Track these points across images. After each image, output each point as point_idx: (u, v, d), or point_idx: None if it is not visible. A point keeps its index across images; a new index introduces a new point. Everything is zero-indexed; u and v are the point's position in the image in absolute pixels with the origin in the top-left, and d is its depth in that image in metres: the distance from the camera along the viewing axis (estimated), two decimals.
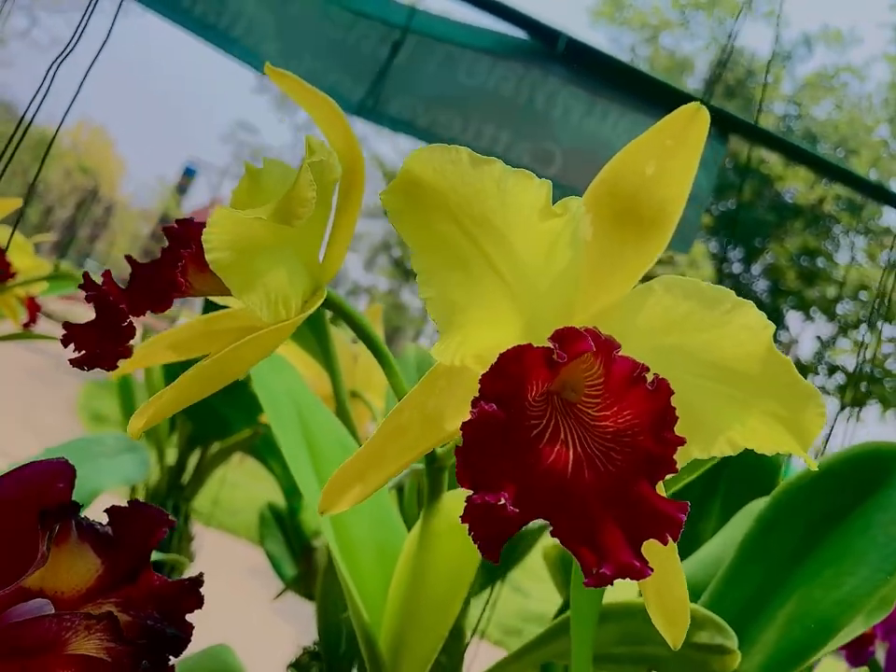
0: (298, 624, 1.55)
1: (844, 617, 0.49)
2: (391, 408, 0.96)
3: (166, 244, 0.43)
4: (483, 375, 0.31)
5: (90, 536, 0.32)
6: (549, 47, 1.84)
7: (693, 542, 0.69)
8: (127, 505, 0.34)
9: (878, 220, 12.46)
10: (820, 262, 13.13)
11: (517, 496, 0.29)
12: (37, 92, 0.66)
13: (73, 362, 0.40)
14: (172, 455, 1.32)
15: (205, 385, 0.41)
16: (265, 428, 1.21)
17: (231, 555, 3.43)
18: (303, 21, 1.92)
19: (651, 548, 0.30)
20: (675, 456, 0.31)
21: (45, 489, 0.33)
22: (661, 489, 0.33)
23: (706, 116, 0.38)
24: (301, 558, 1.21)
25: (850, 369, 12.02)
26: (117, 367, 0.41)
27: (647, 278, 0.39)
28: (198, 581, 0.34)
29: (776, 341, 0.36)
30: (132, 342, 0.41)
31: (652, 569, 0.30)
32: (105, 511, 0.34)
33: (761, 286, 13.87)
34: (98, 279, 0.42)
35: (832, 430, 0.93)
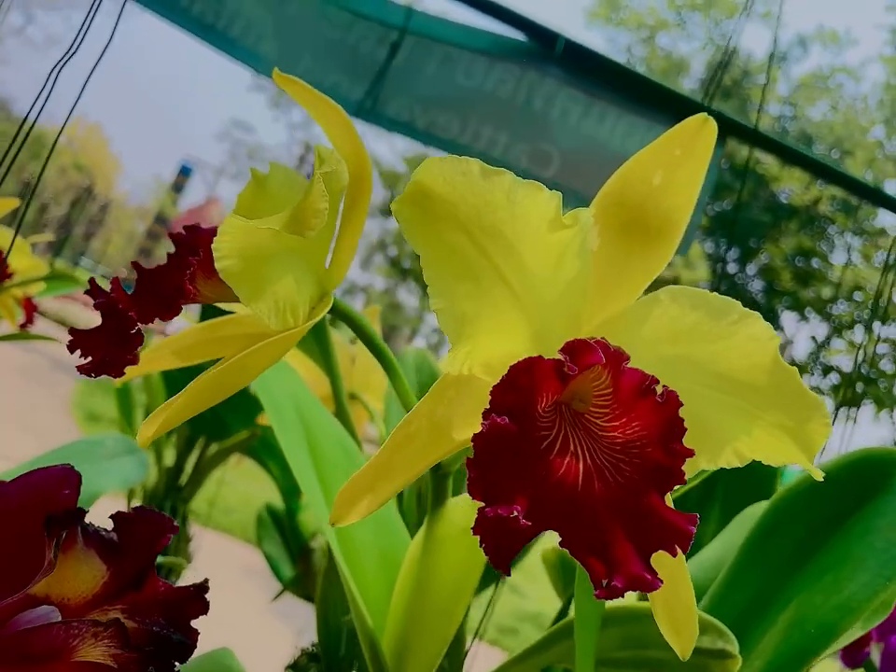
0: (294, 625, 1.54)
1: (844, 622, 0.49)
2: (391, 410, 0.96)
3: (173, 250, 0.43)
4: (493, 387, 0.31)
5: (95, 542, 0.32)
6: (547, 48, 1.84)
7: (692, 546, 0.69)
8: (132, 511, 0.34)
9: (873, 221, 12.50)
10: (815, 263, 13.16)
11: (529, 508, 0.29)
12: (39, 94, 0.66)
13: (80, 369, 0.40)
14: (170, 457, 1.32)
15: (216, 393, 0.41)
16: (263, 430, 1.21)
17: (226, 555, 3.42)
18: (301, 22, 1.91)
19: (659, 558, 0.30)
20: (683, 468, 0.31)
21: (51, 495, 0.32)
22: (668, 499, 0.33)
23: (713, 127, 0.38)
24: (298, 559, 1.21)
25: (845, 369, 12.05)
26: (124, 374, 0.41)
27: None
28: (203, 587, 0.34)
29: None
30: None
31: (662, 581, 0.30)
32: (110, 518, 0.34)
33: (756, 286, 13.89)
34: (105, 285, 0.42)
35: None
